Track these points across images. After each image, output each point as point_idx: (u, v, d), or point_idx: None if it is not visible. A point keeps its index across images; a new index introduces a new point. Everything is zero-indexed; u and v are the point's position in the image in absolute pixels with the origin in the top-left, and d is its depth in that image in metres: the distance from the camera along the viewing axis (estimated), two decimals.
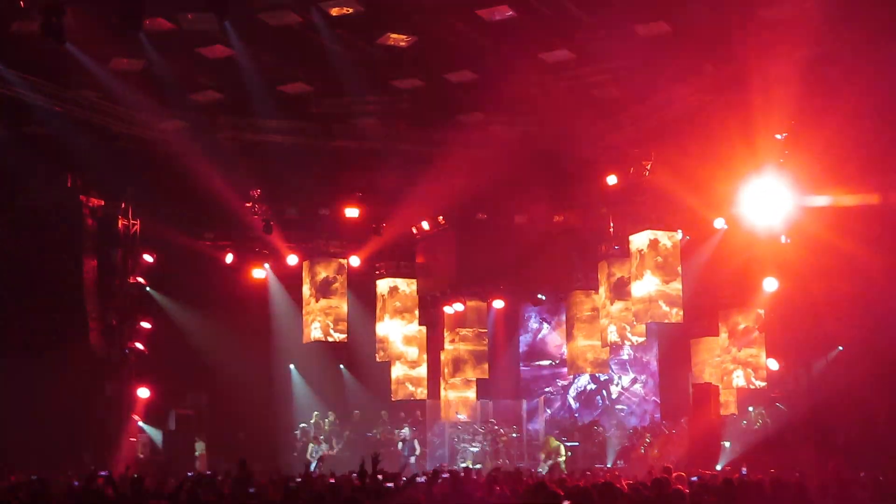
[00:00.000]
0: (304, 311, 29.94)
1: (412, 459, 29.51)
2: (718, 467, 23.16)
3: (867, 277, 23.69)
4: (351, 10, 20.27)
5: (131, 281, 29.37)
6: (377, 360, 30.08)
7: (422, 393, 30.56)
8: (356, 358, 30.01)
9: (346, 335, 29.92)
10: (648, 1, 20.05)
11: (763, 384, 26.79)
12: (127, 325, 29.39)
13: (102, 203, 29.49)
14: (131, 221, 29.75)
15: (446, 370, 30.76)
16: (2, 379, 25.50)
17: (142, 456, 26.94)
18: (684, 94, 23.81)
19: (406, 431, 30.63)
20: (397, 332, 30.04)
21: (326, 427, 30.18)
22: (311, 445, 29.32)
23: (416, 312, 30.18)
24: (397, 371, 30.28)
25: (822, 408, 24.08)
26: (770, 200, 24.77)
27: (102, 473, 18.61)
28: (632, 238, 27.14)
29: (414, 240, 30.81)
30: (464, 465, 25.97)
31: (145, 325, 29.13)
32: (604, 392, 31.48)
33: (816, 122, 23.03)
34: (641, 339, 28.99)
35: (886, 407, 23.27)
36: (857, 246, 23.16)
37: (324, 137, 26.62)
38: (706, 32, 21.17)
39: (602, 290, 28.83)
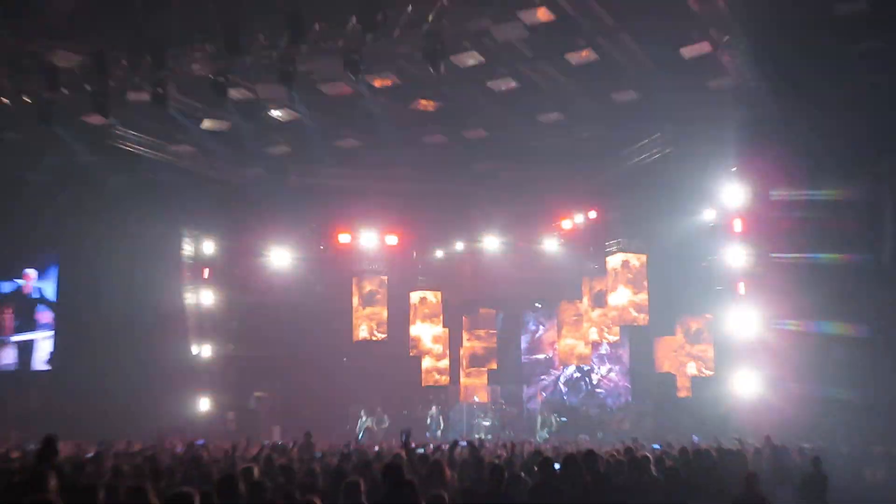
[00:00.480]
0: (353, 317, 30.09)
1: (438, 432, 29.50)
2: (678, 437, 23.03)
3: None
4: (390, 82, 20.38)
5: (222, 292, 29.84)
6: (410, 354, 30.16)
7: (445, 380, 30.63)
8: (394, 353, 29.98)
9: (386, 335, 30.15)
10: (622, 74, 20.11)
11: (711, 373, 26.69)
12: (215, 327, 29.71)
13: (196, 233, 29.79)
14: (218, 248, 30.05)
15: (464, 362, 30.76)
16: (119, 376, 25.72)
17: (233, 428, 27.09)
18: (649, 146, 23.90)
19: (433, 410, 30.60)
20: (426, 332, 30.17)
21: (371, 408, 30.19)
22: (359, 421, 29.33)
23: (441, 317, 30.31)
24: (426, 363, 30.29)
25: (760, 392, 23.83)
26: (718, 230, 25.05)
27: (200, 442, 18.71)
28: (608, 259, 27.21)
29: (439, 261, 30.89)
30: (478, 436, 25.88)
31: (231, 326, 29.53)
32: (586, 379, 31.33)
33: (751, 169, 23.12)
34: (616, 338, 29.01)
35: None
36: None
37: (370, 181, 26.72)
38: (666, 99, 21.20)
39: (585, 299, 28.85)
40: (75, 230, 27.25)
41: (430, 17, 17.66)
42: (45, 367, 29.09)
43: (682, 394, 27.44)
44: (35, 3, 17.76)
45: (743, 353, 23.79)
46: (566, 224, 28.56)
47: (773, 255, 22.81)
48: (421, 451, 14.53)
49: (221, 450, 16.64)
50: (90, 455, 14.20)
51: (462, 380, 30.83)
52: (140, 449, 16.24)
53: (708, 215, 25.56)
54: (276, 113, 22.41)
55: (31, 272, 29.93)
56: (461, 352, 30.82)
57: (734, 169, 23.68)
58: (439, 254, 30.79)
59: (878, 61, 19.63)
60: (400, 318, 30.18)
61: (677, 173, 24.15)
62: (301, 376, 28.59)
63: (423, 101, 21.96)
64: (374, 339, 30.12)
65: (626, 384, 30.55)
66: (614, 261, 27.20)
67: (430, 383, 30.51)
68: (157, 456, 14.40)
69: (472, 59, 18.78)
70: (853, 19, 17.85)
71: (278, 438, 23.14)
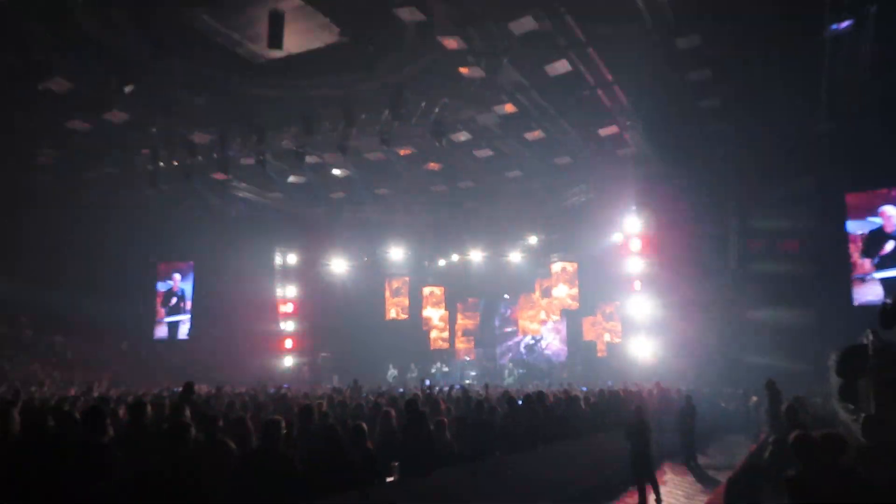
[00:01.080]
0: (386, 304, 30.18)
1: (441, 380, 29.44)
2: (598, 382, 22.95)
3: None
4: (410, 151, 20.44)
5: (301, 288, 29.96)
6: (423, 328, 30.13)
7: (446, 345, 30.56)
8: (413, 327, 29.97)
9: (408, 316, 30.17)
10: (560, 146, 20.12)
11: (619, 340, 26.54)
12: (297, 312, 29.76)
13: (283, 250, 29.90)
14: (298, 259, 30.16)
15: (459, 333, 30.69)
16: (233, 343, 25.67)
17: (306, 377, 27.09)
18: (578, 192, 23.92)
19: (438, 365, 30.50)
20: (434, 314, 30.13)
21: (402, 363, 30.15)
22: (388, 372, 29.21)
23: (443, 304, 30.26)
24: (433, 334, 30.22)
25: (652, 352, 23.74)
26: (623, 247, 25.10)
27: (286, 386, 18.73)
28: (552, 265, 27.24)
29: (442, 267, 30.82)
30: (467, 381, 25.79)
31: (306, 311, 29.57)
32: (538, 345, 31.07)
33: (644, 208, 23.20)
34: (557, 318, 28.79)
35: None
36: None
37: (397, 216, 26.69)
38: (590, 162, 21.24)
39: (537, 292, 28.78)
40: (205, 248, 27.34)
41: (437, 110, 17.85)
42: (186, 338, 29.15)
43: (601, 354, 27.28)
44: (181, 100, 17.91)
45: (639, 327, 23.83)
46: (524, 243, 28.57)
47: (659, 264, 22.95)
48: (429, 391, 14.55)
49: (300, 391, 16.70)
50: (213, 394, 14.23)
51: (457, 345, 30.69)
52: (245, 390, 16.27)
53: (617, 237, 25.57)
54: (336, 171, 22.44)
55: (177, 276, 29.99)
56: (457, 326, 30.71)
57: (633, 208, 23.77)
58: (442, 262, 30.68)
59: (723, 140, 19.76)
60: (416, 304, 30.15)
61: (597, 210, 24.23)
62: (352, 343, 28.56)
63: (432, 164, 21.96)
64: (399, 318, 30.23)
65: (564, 348, 30.33)
66: (556, 267, 27.22)
67: (436, 347, 30.42)
68: (257, 395, 14.47)
69: (463, 136, 18.87)
70: (709, 113, 17.95)
71: (336, 384, 23.13)
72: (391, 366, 29.56)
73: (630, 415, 10.58)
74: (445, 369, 30.22)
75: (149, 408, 7.42)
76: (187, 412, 7.13)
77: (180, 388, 9.66)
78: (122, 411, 8.81)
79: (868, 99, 16.73)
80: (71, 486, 4.77)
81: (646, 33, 13.93)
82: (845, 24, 13.40)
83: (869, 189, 22.17)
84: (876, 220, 21.39)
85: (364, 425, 6.43)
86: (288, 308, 29.94)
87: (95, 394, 15.00)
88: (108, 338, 25.63)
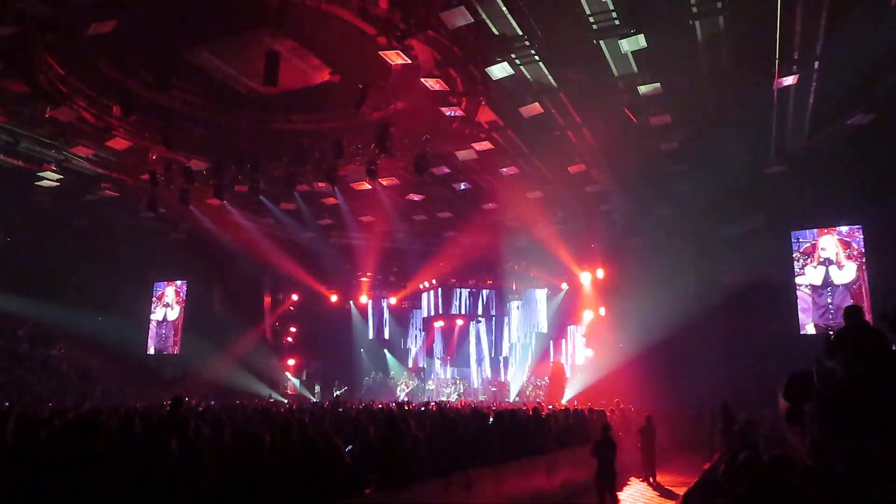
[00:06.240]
0: (368, 324, 29.96)
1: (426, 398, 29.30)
2: (564, 401, 22.93)
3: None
4: (394, 182, 20.32)
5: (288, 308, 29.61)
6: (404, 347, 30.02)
7: (423, 364, 30.38)
8: (393, 346, 29.84)
9: (388, 336, 29.94)
10: (533, 181, 20.17)
11: (582, 363, 26.47)
12: (283, 329, 29.42)
13: (272, 270, 29.69)
14: (290, 280, 29.96)
15: (436, 353, 30.59)
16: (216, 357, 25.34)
17: (291, 393, 26.74)
18: (551, 222, 23.96)
19: (418, 382, 30.27)
20: (413, 335, 30.02)
21: (379, 379, 29.85)
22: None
23: (422, 326, 30.14)
24: (413, 354, 30.12)
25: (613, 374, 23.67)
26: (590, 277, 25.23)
27: (270, 399, 18.44)
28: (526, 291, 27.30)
29: (420, 291, 30.77)
30: (444, 399, 25.61)
31: (293, 329, 29.19)
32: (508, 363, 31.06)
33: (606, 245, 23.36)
34: (528, 340, 28.87)
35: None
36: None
37: (383, 243, 26.57)
38: (560, 197, 21.32)
39: (510, 316, 28.78)
40: (198, 268, 27.11)
41: (419, 145, 17.91)
42: (177, 353, 28.86)
43: (568, 374, 27.23)
44: (180, 129, 17.85)
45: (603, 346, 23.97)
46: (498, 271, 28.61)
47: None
48: (407, 407, 14.44)
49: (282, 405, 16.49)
50: (201, 408, 13.97)
51: (437, 368, 30.63)
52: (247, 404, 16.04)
53: (584, 277, 25.79)
54: (324, 199, 22.36)
55: (171, 293, 29.75)
56: (435, 347, 30.65)
57: (592, 246, 24.04)
58: (420, 286, 30.58)
59: (681, 180, 19.93)
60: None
61: (567, 241, 24.33)
62: (335, 360, 28.42)
63: (414, 195, 21.98)
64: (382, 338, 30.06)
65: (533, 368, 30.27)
66: (528, 294, 27.27)
67: (414, 366, 30.27)
68: (245, 408, 14.24)
69: (443, 170, 18.92)
70: (667, 155, 18.09)
71: (318, 392, 22.90)
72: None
73: (597, 432, 10.59)
74: (431, 386, 30.09)
75: (138, 420, 7.29)
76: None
77: (170, 402, 9.49)
78: (112, 423, 8.56)
79: (813, 143, 17.08)
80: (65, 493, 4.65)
81: (612, 80, 14.14)
82: (792, 78, 13.67)
83: (814, 226, 22.55)
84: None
85: (340, 443, 6.35)
86: (281, 326, 29.56)
87: (87, 406, 14.67)
88: (102, 352, 25.17)
